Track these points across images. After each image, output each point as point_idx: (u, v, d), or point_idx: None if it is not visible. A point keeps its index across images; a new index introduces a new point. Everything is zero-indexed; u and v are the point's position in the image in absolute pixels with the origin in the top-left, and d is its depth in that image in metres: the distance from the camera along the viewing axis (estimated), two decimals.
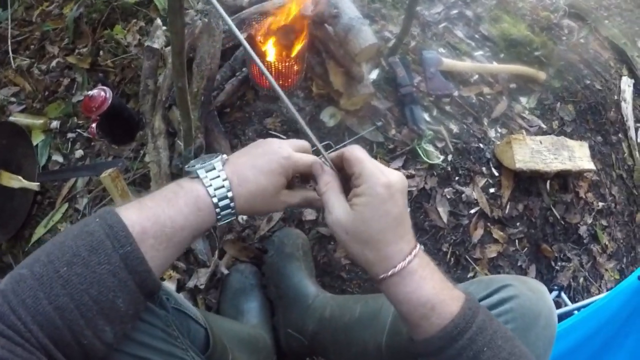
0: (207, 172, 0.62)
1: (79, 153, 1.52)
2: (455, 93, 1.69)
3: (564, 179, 1.74)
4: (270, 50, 1.35)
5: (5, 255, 1.46)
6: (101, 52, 1.64)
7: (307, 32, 1.31)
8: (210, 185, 0.61)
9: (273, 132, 1.45)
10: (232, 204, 0.62)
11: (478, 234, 1.52)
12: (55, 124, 1.56)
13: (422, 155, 1.50)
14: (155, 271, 0.56)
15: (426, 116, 1.60)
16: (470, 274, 1.47)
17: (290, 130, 1.46)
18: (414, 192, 1.47)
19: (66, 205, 1.44)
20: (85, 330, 0.51)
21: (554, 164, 1.61)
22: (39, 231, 1.42)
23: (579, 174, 1.76)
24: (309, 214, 1.37)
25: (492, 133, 1.68)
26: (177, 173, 1.32)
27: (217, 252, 1.30)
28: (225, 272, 1.28)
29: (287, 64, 1.34)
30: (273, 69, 1.33)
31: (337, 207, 0.63)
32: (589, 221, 1.76)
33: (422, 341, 0.61)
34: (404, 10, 1.73)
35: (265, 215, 1.35)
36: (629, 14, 2.49)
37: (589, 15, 2.25)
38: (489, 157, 1.62)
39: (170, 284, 1.24)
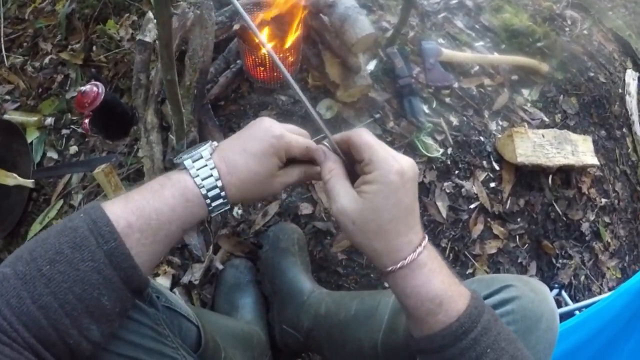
0: (194, 161, 0.60)
1: (73, 149, 1.51)
2: (455, 84, 1.66)
3: (567, 174, 1.71)
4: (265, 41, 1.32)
5: (2, 252, 1.45)
6: (94, 48, 1.63)
7: (302, 22, 1.29)
8: (198, 175, 0.59)
9: None
10: (222, 194, 0.60)
11: (478, 229, 1.49)
12: (49, 120, 1.55)
13: (421, 148, 1.47)
14: (142, 267, 0.54)
15: (425, 108, 1.58)
16: (470, 271, 1.44)
17: (287, 123, 1.44)
18: None
19: (61, 201, 1.44)
20: (71, 329, 0.50)
21: (557, 158, 1.58)
22: (35, 228, 1.42)
23: (582, 169, 1.73)
24: (305, 209, 1.35)
25: (493, 126, 1.65)
26: (170, 167, 1.30)
27: (211, 247, 1.29)
28: (220, 267, 1.26)
29: (281, 55, 1.31)
30: (267, 60, 1.31)
31: (343, 196, 0.59)
32: (592, 218, 1.74)
33: (425, 338, 0.59)
34: None
35: (261, 210, 1.34)
36: (634, 5, 2.45)
37: (593, 6, 2.22)
38: (490, 150, 1.59)
39: (165, 280, 1.24)
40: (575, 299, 1.59)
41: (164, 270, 1.24)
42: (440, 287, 0.57)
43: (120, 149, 1.45)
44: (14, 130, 1.51)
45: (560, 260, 1.63)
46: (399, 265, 0.57)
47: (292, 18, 1.29)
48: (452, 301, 0.57)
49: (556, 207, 1.65)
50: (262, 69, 1.37)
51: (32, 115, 1.58)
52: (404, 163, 0.58)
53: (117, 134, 1.47)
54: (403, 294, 0.58)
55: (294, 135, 0.65)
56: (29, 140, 1.53)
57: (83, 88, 1.33)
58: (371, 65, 1.59)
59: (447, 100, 1.63)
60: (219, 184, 0.59)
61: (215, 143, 0.64)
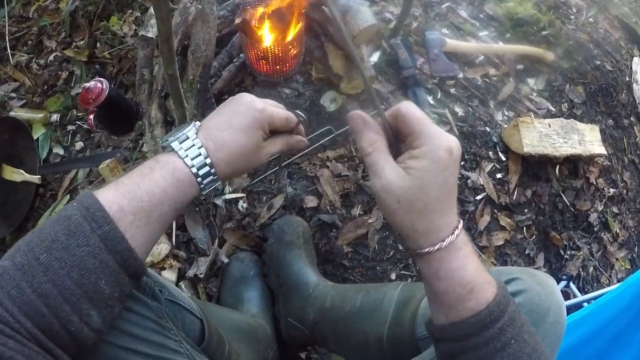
0: (180, 143, 0.61)
1: (79, 145, 1.52)
2: (460, 75, 1.64)
3: (574, 164, 1.69)
4: (267, 34, 1.32)
5: (9, 248, 1.46)
6: (98, 44, 1.64)
7: (304, 15, 1.28)
8: (187, 155, 0.60)
9: None
10: (212, 170, 0.61)
11: (484, 220, 1.48)
12: (55, 117, 1.56)
13: None
14: (138, 250, 0.55)
15: (430, 99, 1.56)
16: None
17: None
18: None
19: (68, 197, 1.45)
20: (71, 316, 0.50)
21: (564, 148, 1.57)
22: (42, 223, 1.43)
23: (590, 159, 1.71)
24: (310, 201, 1.35)
25: (498, 116, 1.64)
26: None
27: (217, 241, 1.29)
28: (226, 260, 1.27)
29: (284, 47, 1.31)
30: (270, 53, 1.30)
31: (389, 171, 0.55)
32: (600, 208, 1.72)
33: (449, 325, 0.56)
34: None
35: (266, 203, 1.34)
36: None
37: None
38: (496, 141, 1.58)
39: (170, 274, 1.24)
40: (583, 291, 1.57)
41: (170, 264, 1.25)
42: (473, 273, 0.55)
43: (125, 144, 1.46)
44: (20, 127, 1.52)
45: (569, 252, 1.62)
46: (437, 247, 0.54)
47: (294, 11, 1.28)
48: (482, 289, 0.55)
49: (564, 197, 1.63)
50: (264, 62, 1.36)
51: (37, 112, 1.59)
52: (452, 140, 0.55)
53: (121, 130, 1.47)
54: (436, 277, 0.56)
55: (275, 108, 0.67)
56: (35, 137, 1.53)
57: (87, 84, 1.33)
58: (375, 57, 1.58)
59: (452, 90, 1.62)
60: (208, 161, 0.60)
61: (198, 123, 0.65)
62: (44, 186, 1.49)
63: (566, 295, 1.52)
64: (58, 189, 1.47)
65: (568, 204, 1.64)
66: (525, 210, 1.56)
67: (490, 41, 1.79)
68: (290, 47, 1.31)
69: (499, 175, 1.54)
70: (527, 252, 1.52)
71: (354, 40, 1.32)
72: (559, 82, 1.81)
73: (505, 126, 1.60)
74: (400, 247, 1.37)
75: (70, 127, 1.55)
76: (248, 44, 1.33)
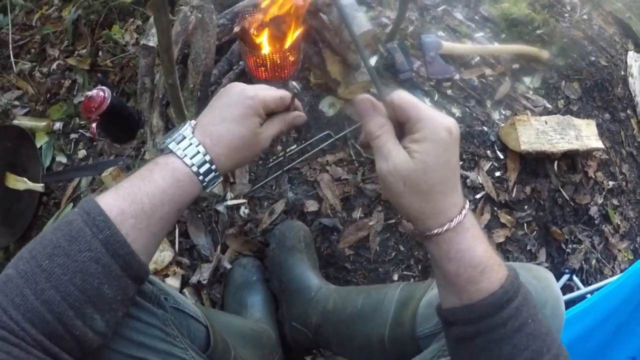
0: (178, 143, 0.61)
1: (82, 153, 1.53)
2: (457, 76, 1.66)
3: (572, 159, 1.71)
4: (265, 42, 1.33)
5: (13, 256, 1.47)
6: (100, 53, 1.65)
7: (301, 22, 1.30)
8: (185, 155, 0.60)
9: None
10: (213, 167, 0.61)
11: (485, 219, 1.50)
12: (58, 125, 1.58)
13: None
14: (140, 253, 0.55)
15: (427, 101, 1.58)
16: None
17: None
18: None
19: (71, 205, 1.46)
20: (75, 320, 0.51)
21: (561, 144, 1.58)
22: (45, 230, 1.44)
23: (588, 153, 1.73)
24: (311, 206, 1.36)
25: (495, 115, 1.65)
26: None
27: (219, 247, 1.30)
28: (228, 266, 1.28)
29: (282, 54, 1.32)
30: (268, 60, 1.32)
31: (396, 155, 0.55)
32: (600, 201, 1.73)
33: (462, 307, 0.56)
34: None
35: (268, 209, 1.35)
36: None
37: None
38: (494, 140, 1.59)
39: (174, 280, 1.25)
40: (587, 283, 1.59)
41: (174, 271, 1.26)
42: (483, 254, 0.55)
43: (128, 152, 1.47)
44: (23, 135, 1.53)
45: (570, 246, 1.63)
46: (445, 228, 0.55)
47: (292, 18, 1.30)
48: (493, 270, 0.55)
49: (563, 192, 1.65)
50: (263, 69, 1.38)
51: (41, 120, 1.60)
52: (450, 121, 0.56)
53: (124, 138, 1.48)
54: (446, 258, 0.56)
55: (266, 91, 0.66)
56: (38, 145, 1.55)
57: (90, 93, 1.35)
58: (372, 62, 1.60)
59: (449, 92, 1.63)
60: (207, 158, 0.60)
61: (193, 122, 0.64)
62: (47, 194, 1.50)
63: (570, 288, 1.54)
64: (61, 197, 1.48)
65: (568, 198, 1.65)
66: (525, 207, 1.57)
67: (486, 42, 1.81)
68: (288, 54, 1.33)
69: (497, 174, 1.56)
70: (528, 248, 1.54)
71: (351, 46, 1.33)
72: (554, 80, 1.83)
73: (503, 125, 1.61)
74: (402, 249, 1.39)
75: (73, 136, 1.57)
76: (247, 51, 1.34)
